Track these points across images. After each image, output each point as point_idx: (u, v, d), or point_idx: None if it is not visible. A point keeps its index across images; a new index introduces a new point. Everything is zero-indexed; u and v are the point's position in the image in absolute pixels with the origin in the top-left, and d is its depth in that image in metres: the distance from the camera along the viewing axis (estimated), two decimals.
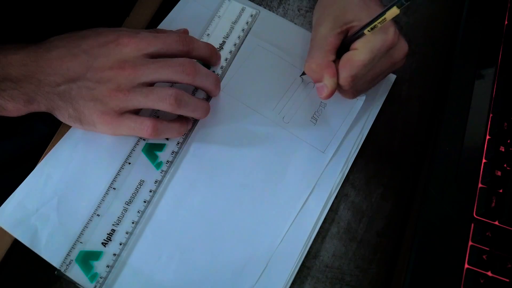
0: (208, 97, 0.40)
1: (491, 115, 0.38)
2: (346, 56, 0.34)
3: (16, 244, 0.35)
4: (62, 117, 0.35)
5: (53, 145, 0.38)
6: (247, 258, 0.35)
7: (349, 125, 0.39)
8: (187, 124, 0.37)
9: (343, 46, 0.35)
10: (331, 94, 0.35)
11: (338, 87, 0.36)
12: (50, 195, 0.36)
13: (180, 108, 0.34)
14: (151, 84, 0.35)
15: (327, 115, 0.40)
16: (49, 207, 0.35)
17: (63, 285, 0.34)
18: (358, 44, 0.34)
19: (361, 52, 0.33)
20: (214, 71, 0.41)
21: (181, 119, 0.37)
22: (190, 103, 0.35)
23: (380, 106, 0.41)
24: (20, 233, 0.34)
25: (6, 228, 0.35)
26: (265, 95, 0.41)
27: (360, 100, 0.40)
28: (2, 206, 0.35)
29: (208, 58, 0.39)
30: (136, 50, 0.34)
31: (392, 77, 0.42)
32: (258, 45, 0.43)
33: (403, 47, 0.36)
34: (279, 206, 0.36)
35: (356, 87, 0.36)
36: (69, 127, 0.38)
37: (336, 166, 0.38)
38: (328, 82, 0.34)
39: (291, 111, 0.40)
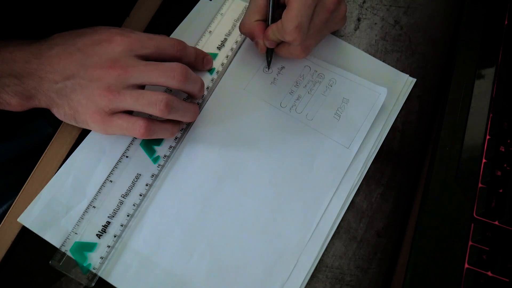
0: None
1: (491, 115, 0.38)
2: (284, 13, 0.35)
3: (16, 245, 0.35)
4: (59, 114, 0.35)
5: (53, 145, 0.38)
6: (278, 254, 0.35)
7: (372, 121, 0.39)
8: (180, 125, 0.37)
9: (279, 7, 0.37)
10: (264, 49, 0.39)
11: (287, 47, 0.38)
12: (80, 197, 0.36)
13: (169, 114, 0.34)
14: (142, 86, 0.34)
15: (350, 111, 0.40)
16: (79, 208, 0.35)
17: (63, 285, 0.34)
18: None
19: (292, 1, 0.35)
20: (214, 68, 0.41)
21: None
22: (180, 109, 0.35)
23: (401, 105, 0.41)
24: (51, 236, 0.34)
25: (35, 230, 0.34)
26: (286, 92, 0.41)
27: (382, 95, 0.40)
28: (27, 208, 0.35)
29: (199, 67, 0.40)
30: (128, 50, 0.34)
31: (412, 80, 0.42)
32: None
33: None
34: (306, 203, 0.37)
35: (305, 42, 0.37)
36: (69, 126, 0.38)
37: (357, 163, 0.38)
38: (260, 40, 0.39)
39: (314, 108, 0.40)
